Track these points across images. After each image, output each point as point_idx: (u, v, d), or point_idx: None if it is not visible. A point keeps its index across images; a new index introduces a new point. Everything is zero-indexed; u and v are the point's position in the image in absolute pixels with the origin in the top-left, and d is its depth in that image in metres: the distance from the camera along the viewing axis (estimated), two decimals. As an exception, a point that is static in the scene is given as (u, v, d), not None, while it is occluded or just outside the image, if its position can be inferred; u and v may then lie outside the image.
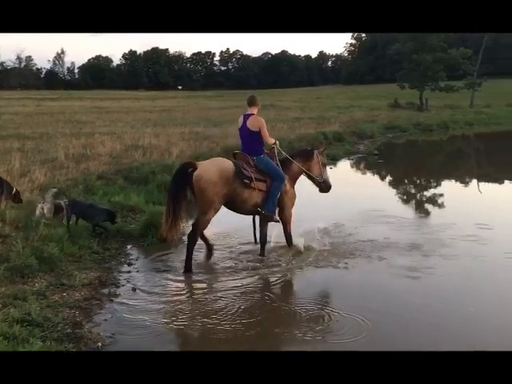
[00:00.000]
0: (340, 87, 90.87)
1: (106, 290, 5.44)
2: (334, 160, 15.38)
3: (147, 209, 7.90)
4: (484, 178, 14.16)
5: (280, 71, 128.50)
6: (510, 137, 26.48)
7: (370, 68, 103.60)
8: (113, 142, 14.66)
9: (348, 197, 9.73)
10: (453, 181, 14.01)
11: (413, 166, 17.07)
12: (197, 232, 6.20)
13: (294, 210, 6.92)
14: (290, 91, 78.33)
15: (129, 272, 6.10)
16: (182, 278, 6.00)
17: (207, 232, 6.60)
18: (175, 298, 5.39)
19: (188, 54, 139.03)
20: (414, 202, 11.43)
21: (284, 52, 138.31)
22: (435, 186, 13.31)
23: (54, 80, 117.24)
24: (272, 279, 6.01)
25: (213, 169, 6.06)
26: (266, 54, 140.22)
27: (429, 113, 36.11)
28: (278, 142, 6.86)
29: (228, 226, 7.69)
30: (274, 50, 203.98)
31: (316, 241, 7.06)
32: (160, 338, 4.50)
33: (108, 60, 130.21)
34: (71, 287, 5.34)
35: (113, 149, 13.62)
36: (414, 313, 5.09)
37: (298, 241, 6.93)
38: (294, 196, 6.89)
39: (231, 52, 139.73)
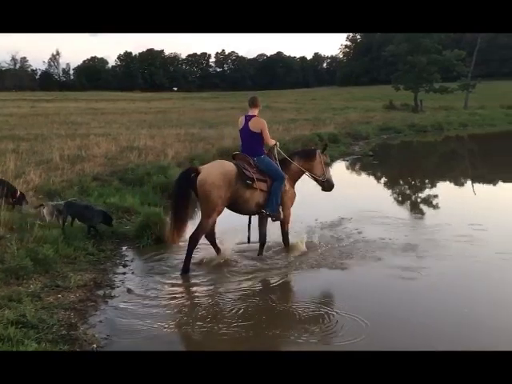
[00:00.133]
0: (335, 89, 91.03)
1: (101, 292, 5.43)
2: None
3: (142, 210, 7.88)
4: (478, 178, 14.24)
5: (275, 72, 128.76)
6: (503, 138, 26.64)
7: (364, 69, 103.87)
8: (108, 144, 14.64)
9: (343, 198, 9.75)
10: (447, 182, 14.07)
11: (408, 166, 17.13)
12: (199, 234, 6.24)
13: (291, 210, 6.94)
14: (286, 92, 78.44)
15: (124, 273, 6.09)
16: (178, 279, 5.99)
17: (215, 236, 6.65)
18: (170, 301, 5.37)
19: (183, 56, 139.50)
20: (408, 202, 11.47)
21: (279, 53, 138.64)
22: (430, 187, 13.37)
23: (49, 81, 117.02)
24: (268, 280, 6.01)
25: (216, 172, 6.12)
26: (262, 55, 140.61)
27: (423, 114, 36.29)
28: (278, 143, 6.91)
29: (225, 227, 7.68)
30: (270, 51, 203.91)
31: (303, 241, 7.09)
32: (154, 340, 4.48)
33: (103, 61, 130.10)
34: (66, 289, 5.33)
35: (108, 150, 13.60)
36: (407, 314, 5.10)
37: (299, 240, 7.00)
38: (293, 196, 6.95)
39: (227, 53, 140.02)
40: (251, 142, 6.56)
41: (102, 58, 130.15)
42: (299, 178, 7.12)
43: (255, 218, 6.87)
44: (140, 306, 5.16)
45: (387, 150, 21.80)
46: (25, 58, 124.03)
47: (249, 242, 6.92)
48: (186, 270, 6.08)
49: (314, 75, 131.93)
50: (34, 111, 33.22)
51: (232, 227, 7.11)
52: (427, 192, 12.72)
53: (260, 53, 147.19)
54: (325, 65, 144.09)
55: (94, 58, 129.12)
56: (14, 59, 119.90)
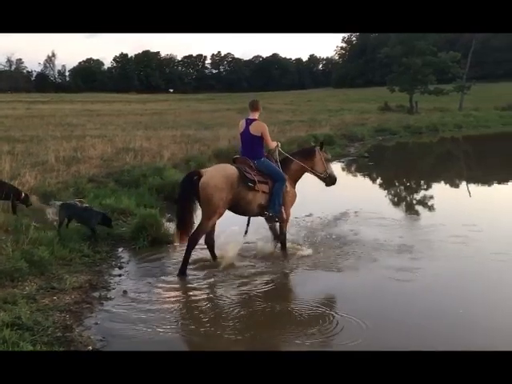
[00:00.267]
0: (331, 90, 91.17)
1: (96, 294, 5.42)
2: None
3: (138, 212, 7.88)
4: (472, 179, 14.30)
5: (271, 74, 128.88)
6: (497, 139, 26.77)
7: (360, 71, 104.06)
8: (104, 145, 14.62)
9: (339, 199, 9.78)
10: (442, 182, 14.12)
11: (403, 168, 17.19)
12: (199, 235, 6.27)
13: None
14: (281, 94, 78.49)
15: (119, 275, 6.09)
16: (174, 281, 5.99)
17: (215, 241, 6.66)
18: (166, 302, 5.37)
19: (179, 57, 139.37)
20: (404, 203, 11.51)
21: (275, 55, 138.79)
22: (425, 188, 13.42)
23: (45, 83, 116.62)
24: (264, 283, 5.99)
25: (218, 175, 6.17)
26: (257, 57, 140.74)
27: (418, 115, 36.41)
28: (279, 144, 6.96)
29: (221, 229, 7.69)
30: (265, 53, 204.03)
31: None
32: (149, 341, 4.47)
33: (99, 63, 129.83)
34: (61, 291, 5.31)
35: (104, 152, 13.58)
36: (402, 314, 5.12)
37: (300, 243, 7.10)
38: (294, 196, 7.02)
39: (222, 55, 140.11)
40: (251, 145, 6.64)
41: (97, 60, 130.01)
42: (300, 177, 7.20)
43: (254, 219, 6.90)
44: (133, 308, 5.14)
45: (382, 151, 21.87)
46: (20, 59, 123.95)
47: (245, 234, 6.92)
48: (183, 272, 6.08)
49: (309, 77, 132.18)
50: (30, 113, 33.14)
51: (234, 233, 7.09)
52: (422, 193, 12.77)
53: (256, 54, 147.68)
54: (320, 66, 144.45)
55: (89, 60, 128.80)
56: (9, 61, 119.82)
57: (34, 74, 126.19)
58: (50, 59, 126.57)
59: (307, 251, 6.92)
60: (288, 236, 7.07)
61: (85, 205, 7.48)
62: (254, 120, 6.64)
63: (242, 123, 6.73)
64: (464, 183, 14.01)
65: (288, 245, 7.00)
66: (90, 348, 4.24)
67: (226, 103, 52.49)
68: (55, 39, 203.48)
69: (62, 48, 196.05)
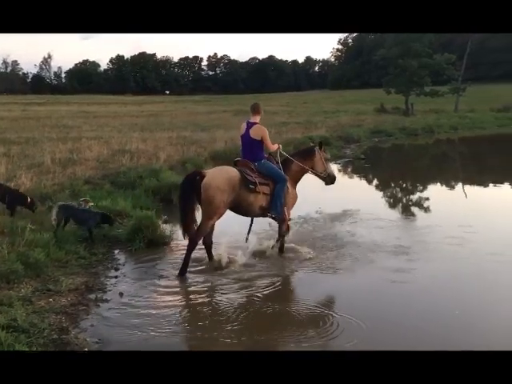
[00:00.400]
0: (327, 92, 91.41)
1: (92, 296, 5.40)
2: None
3: (134, 213, 7.86)
4: (468, 181, 14.36)
5: (267, 76, 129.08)
6: (493, 141, 26.90)
7: (356, 73, 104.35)
8: (100, 147, 14.60)
9: (336, 200, 9.79)
10: (438, 184, 14.16)
11: (399, 169, 17.23)
12: (199, 236, 6.29)
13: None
14: (277, 96, 78.58)
15: (116, 277, 6.07)
16: (172, 283, 5.97)
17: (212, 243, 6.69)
18: (162, 305, 5.35)
19: (175, 59, 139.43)
20: (400, 204, 11.53)
21: (271, 57, 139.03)
22: (421, 189, 13.45)
23: (41, 85, 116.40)
24: (261, 284, 5.98)
25: (221, 177, 6.22)
26: (254, 58, 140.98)
27: (414, 117, 36.51)
28: (281, 146, 7.00)
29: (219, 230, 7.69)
30: (261, 54, 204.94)
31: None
32: (146, 343, 4.47)
33: (95, 65, 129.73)
34: (57, 293, 5.29)
35: (100, 153, 13.56)
36: (398, 316, 5.13)
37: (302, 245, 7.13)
38: (295, 197, 7.06)
39: (219, 57, 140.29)
40: (251, 147, 6.70)
41: (93, 62, 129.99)
42: (301, 178, 7.25)
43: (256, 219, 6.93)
44: (130, 310, 5.13)
45: (379, 152, 21.92)
46: (16, 61, 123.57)
47: (246, 241, 6.95)
48: (183, 273, 6.08)
49: (305, 79, 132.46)
50: (26, 114, 33.06)
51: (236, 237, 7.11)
52: (418, 194, 12.80)
53: (252, 56, 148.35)
54: (316, 68, 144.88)
55: (85, 62, 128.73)
56: (5, 62, 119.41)
57: (30, 75, 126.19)
58: (46, 61, 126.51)
59: (305, 253, 6.92)
60: (286, 237, 7.06)
61: (90, 204, 7.54)
62: (255, 123, 6.68)
63: (243, 126, 6.79)
64: (460, 184, 14.05)
65: (286, 246, 7.00)
66: (86, 350, 4.22)
67: (223, 105, 52.52)
68: (51, 41, 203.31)
69: (58, 50, 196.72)
